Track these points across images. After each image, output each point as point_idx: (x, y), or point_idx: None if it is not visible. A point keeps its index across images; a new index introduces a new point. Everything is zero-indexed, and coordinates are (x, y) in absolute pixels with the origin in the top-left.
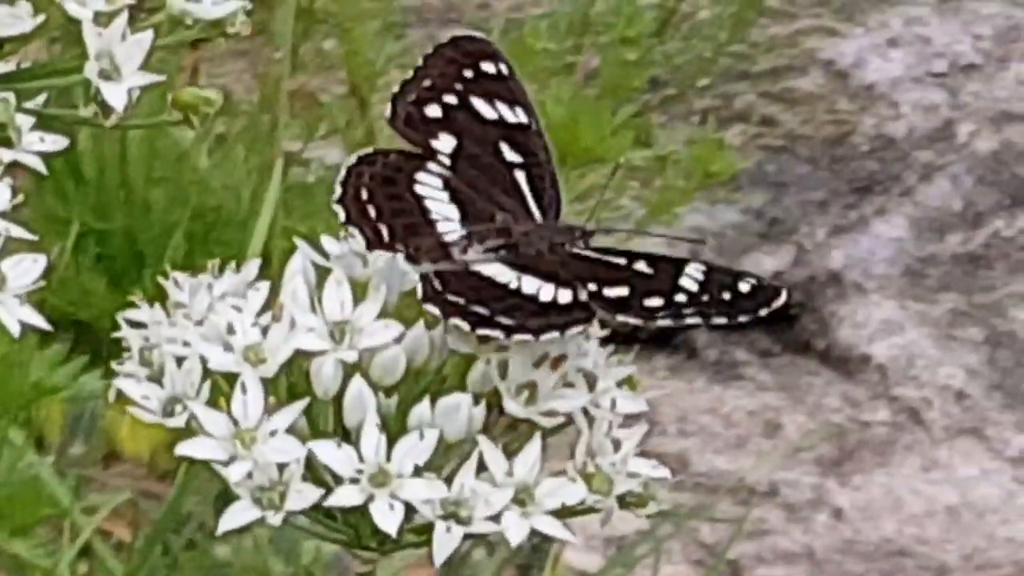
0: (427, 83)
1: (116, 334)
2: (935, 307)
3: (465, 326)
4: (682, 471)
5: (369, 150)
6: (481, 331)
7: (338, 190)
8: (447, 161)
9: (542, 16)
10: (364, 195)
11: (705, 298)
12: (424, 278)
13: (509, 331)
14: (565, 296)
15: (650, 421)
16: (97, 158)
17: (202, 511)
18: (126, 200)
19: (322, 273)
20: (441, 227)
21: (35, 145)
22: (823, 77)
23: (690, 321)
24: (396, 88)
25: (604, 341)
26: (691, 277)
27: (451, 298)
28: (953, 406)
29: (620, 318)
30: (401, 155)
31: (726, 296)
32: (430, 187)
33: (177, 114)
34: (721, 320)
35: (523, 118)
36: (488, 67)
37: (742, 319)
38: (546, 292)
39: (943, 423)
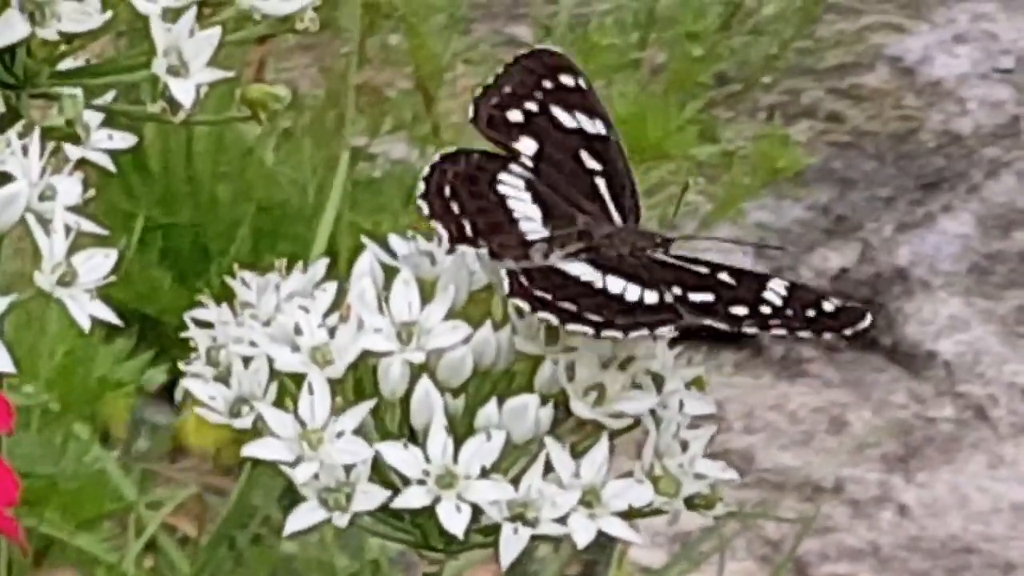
0: (508, 89)
1: (184, 334)
2: (1001, 304)
3: (554, 320)
4: (747, 467)
5: (452, 149)
6: (571, 327)
7: (422, 186)
8: (529, 163)
9: (608, 12)
10: (447, 191)
11: (789, 312)
12: (511, 274)
13: (598, 327)
14: (651, 297)
15: (715, 418)
16: (163, 153)
17: (268, 506)
18: (192, 194)
19: (389, 272)
20: (523, 226)
21: (103, 142)
22: (889, 73)
23: (776, 332)
24: (478, 92)
25: (672, 340)
26: (774, 292)
27: (539, 293)
28: (1019, 403)
29: (706, 322)
30: (484, 155)
31: (810, 313)
32: (512, 187)
33: (245, 110)
34: (805, 334)
35: (602, 129)
36: (567, 80)
37: (826, 336)
38: (632, 292)
39: (1009, 420)
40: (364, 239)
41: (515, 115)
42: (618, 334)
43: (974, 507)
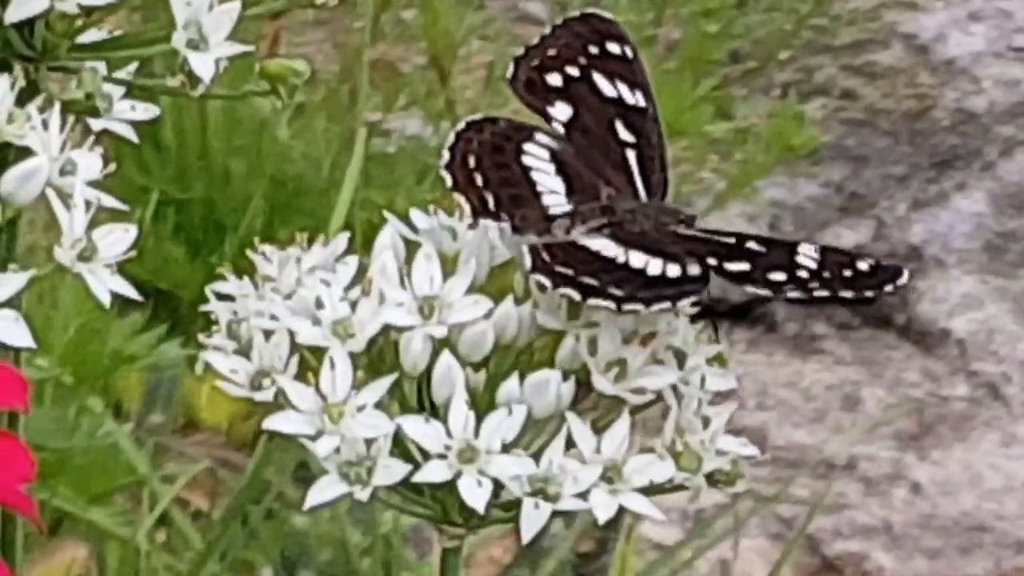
0: (552, 52)
1: (204, 307)
2: (1015, 282)
3: (576, 296)
4: (761, 445)
5: (478, 116)
6: (593, 301)
7: (446, 155)
8: (560, 130)
9: None
10: (471, 162)
11: (826, 275)
12: (532, 249)
13: (620, 301)
14: (674, 270)
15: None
16: (177, 127)
17: (281, 481)
18: (206, 169)
19: (410, 247)
20: (547, 200)
21: (126, 113)
22: (904, 51)
23: (818, 294)
24: (520, 51)
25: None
26: (807, 256)
27: (560, 269)
28: None
29: (748, 289)
30: (510, 124)
31: (847, 273)
32: (537, 158)
33: (264, 84)
34: (847, 294)
35: (641, 101)
36: (614, 47)
37: (868, 295)
38: (654, 266)
39: (1022, 398)
40: (386, 213)
41: (554, 79)
42: (639, 307)
43: (987, 485)
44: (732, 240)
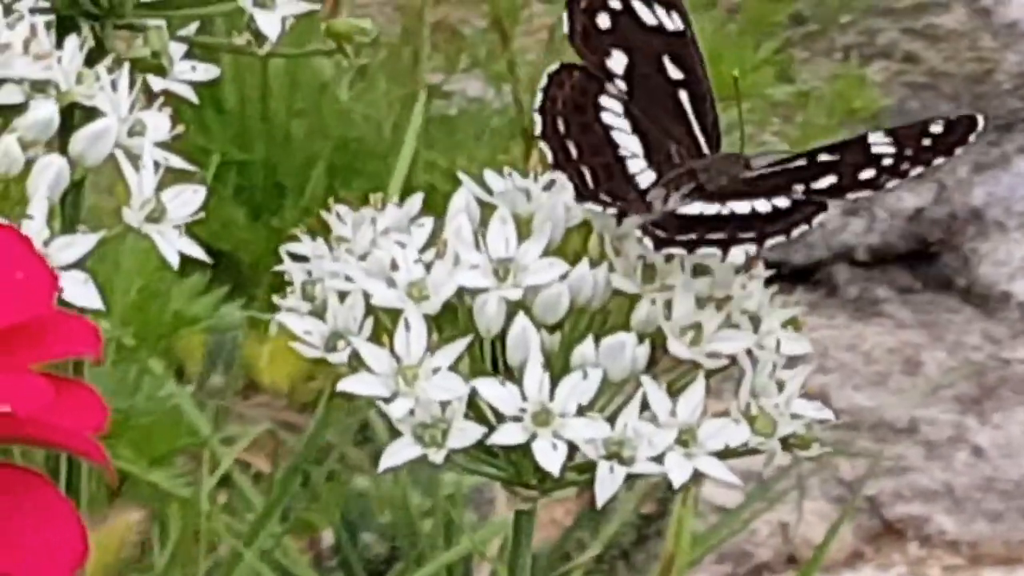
0: None
1: (278, 267)
2: None
3: (717, 252)
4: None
5: (556, 66)
6: (734, 249)
7: (538, 121)
8: (622, 84)
9: None
10: (562, 128)
11: (909, 152)
12: (646, 230)
13: (757, 240)
14: (782, 202)
15: (791, 357)
16: (238, 89)
17: (342, 443)
18: (267, 131)
19: (485, 209)
20: (631, 167)
21: (186, 74)
22: (966, 14)
23: (913, 172)
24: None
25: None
26: (880, 144)
27: (683, 237)
28: None
29: (850, 197)
30: (584, 74)
31: (927, 142)
32: (613, 114)
33: (330, 43)
34: (940, 160)
35: (679, 24)
36: None
37: (957, 151)
38: (761, 206)
39: None
40: (461, 175)
41: (603, 19)
42: (781, 236)
43: None
44: (803, 161)
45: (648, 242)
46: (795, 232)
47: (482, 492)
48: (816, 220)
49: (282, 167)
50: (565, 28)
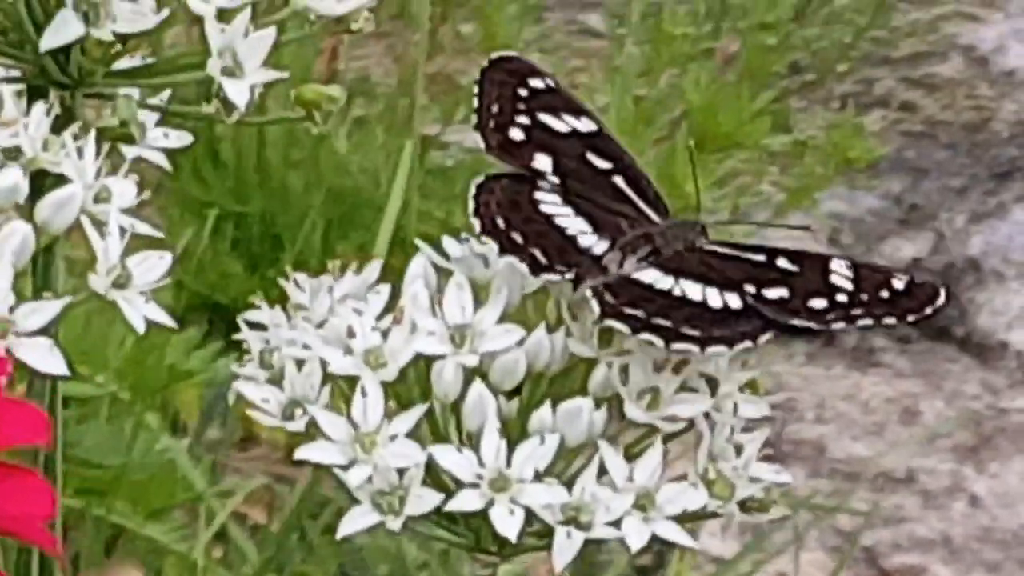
0: (495, 108)
1: (235, 336)
2: None
3: (659, 342)
4: (819, 457)
5: (480, 178)
6: (675, 346)
7: (477, 224)
8: (554, 179)
9: (681, 1)
10: (502, 224)
11: (864, 297)
12: (596, 293)
13: (702, 344)
14: (734, 300)
15: (788, 408)
16: (235, 141)
17: (338, 496)
18: (263, 183)
19: (444, 274)
20: (582, 240)
21: (159, 141)
22: (963, 63)
23: (861, 323)
24: (474, 120)
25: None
26: (840, 274)
27: (630, 312)
28: None
29: (793, 322)
30: (513, 179)
31: (885, 295)
32: (552, 204)
33: (300, 111)
34: (890, 321)
35: (592, 125)
36: (537, 83)
37: (910, 319)
38: (712, 297)
39: None
40: (418, 241)
41: (516, 133)
42: (723, 348)
43: None
44: (762, 257)
45: (595, 307)
46: (737, 347)
47: None
48: (762, 338)
49: (279, 219)
50: (483, 146)
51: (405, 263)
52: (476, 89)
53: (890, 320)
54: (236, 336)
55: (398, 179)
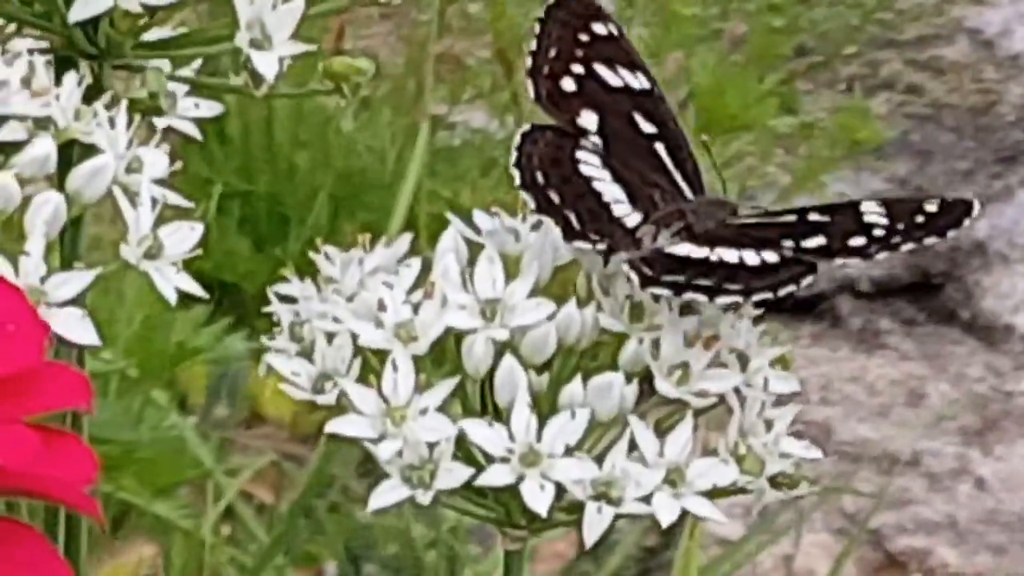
0: (552, 52)
1: (266, 308)
2: None
3: (703, 298)
4: (825, 440)
5: (527, 128)
6: (718, 300)
7: (517, 175)
8: (597, 140)
9: None
10: (541, 180)
11: (901, 226)
12: (633, 265)
13: (744, 293)
14: (771, 256)
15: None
16: (243, 121)
17: (345, 475)
18: (271, 162)
19: (474, 248)
20: (616, 210)
21: (190, 111)
22: (969, 46)
23: (905, 247)
24: (528, 63)
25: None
26: (874, 214)
27: (670, 279)
28: None
29: (837, 262)
30: (557, 133)
31: (920, 219)
32: (592, 166)
33: (327, 82)
34: (932, 239)
35: (645, 83)
36: (600, 29)
37: (951, 233)
38: (749, 257)
39: None
40: (449, 215)
41: (568, 83)
42: (767, 293)
43: None
44: (793, 217)
45: (635, 278)
46: (782, 290)
47: (485, 525)
48: (804, 281)
49: (286, 198)
50: (531, 94)
51: (415, 242)
52: (536, 28)
53: (931, 239)
54: (264, 309)
55: (414, 159)
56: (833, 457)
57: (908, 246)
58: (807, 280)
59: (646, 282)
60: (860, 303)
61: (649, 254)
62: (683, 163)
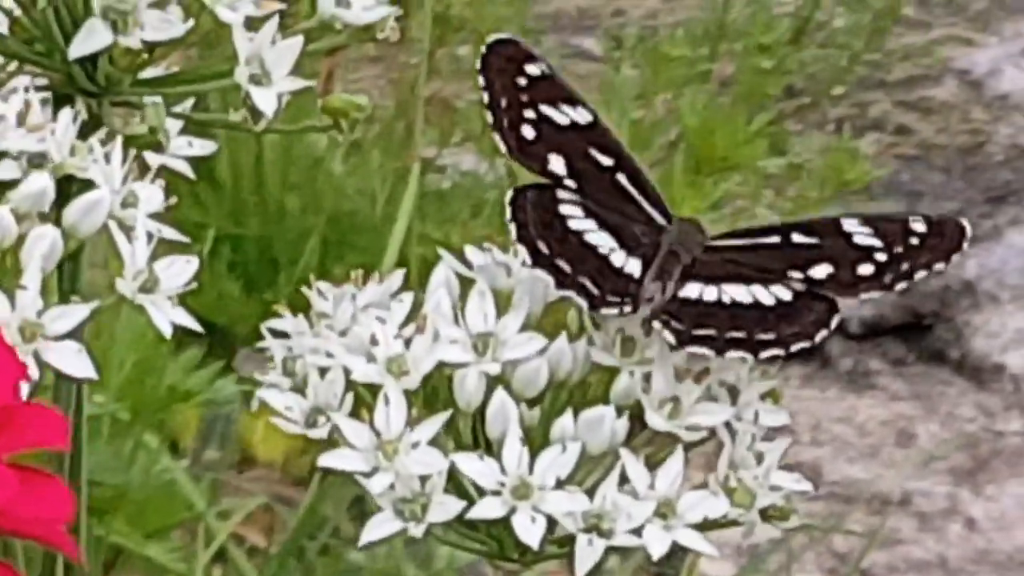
0: (503, 103)
1: (260, 344)
2: None
3: (749, 356)
4: (816, 480)
5: (511, 194)
6: (763, 354)
7: (525, 253)
8: (571, 183)
9: (677, 23)
10: (544, 249)
11: (899, 249)
12: (663, 321)
13: (785, 346)
14: (783, 293)
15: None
16: (232, 164)
17: (337, 516)
18: (261, 205)
19: (465, 284)
20: (615, 260)
21: (183, 149)
22: (958, 87)
23: (918, 276)
24: (489, 119)
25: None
26: (861, 234)
27: (702, 333)
28: None
29: (855, 296)
30: (537, 190)
31: (915, 241)
32: (577, 219)
33: (325, 119)
34: (939, 266)
35: (587, 115)
36: (533, 70)
37: (954, 258)
38: (762, 295)
39: None
40: (440, 250)
41: (527, 131)
42: (805, 343)
43: None
44: (776, 238)
45: (669, 337)
46: (818, 338)
47: (476, 566)
48: (834, 322)
49: (276, 241)
50: (503, 151)
51: (405, 284)
52: (481, 81)
53: (939, 265)
54: (259, 344)
55: (405, 201)
56: (824, 497)
57: (921, 274)
58: (835, 320)
59: (682, 341)
60: (850, 344)
61: (668, 306)
62: (644, 188)
